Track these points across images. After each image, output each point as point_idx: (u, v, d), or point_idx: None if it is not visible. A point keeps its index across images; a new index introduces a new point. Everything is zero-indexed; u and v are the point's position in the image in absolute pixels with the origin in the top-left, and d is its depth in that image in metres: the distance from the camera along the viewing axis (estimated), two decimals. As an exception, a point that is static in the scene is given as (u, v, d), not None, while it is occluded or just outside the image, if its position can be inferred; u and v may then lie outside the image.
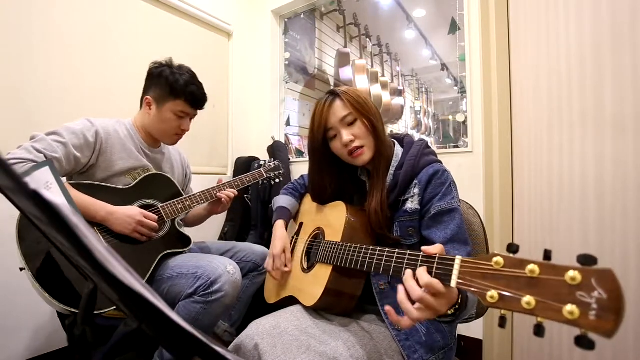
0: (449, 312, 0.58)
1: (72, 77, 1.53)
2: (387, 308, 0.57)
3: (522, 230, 1.28)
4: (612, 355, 0.83)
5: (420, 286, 0.52)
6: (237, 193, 1.29)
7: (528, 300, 0.39)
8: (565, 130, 0.98)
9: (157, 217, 1.10)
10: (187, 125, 1.22)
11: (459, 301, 0.58)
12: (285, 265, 0.95)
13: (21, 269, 0.92)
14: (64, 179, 1.07)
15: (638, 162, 0.81)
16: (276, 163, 1.50)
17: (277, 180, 1.48)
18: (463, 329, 1.50)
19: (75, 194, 1.00)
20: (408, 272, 0.55)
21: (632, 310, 0.79)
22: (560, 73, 1.01)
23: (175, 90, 1.14)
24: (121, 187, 1.11)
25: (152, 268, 1.08)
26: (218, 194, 1.24)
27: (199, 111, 1.26)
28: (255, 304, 1.34)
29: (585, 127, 0.92)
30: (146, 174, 1.17)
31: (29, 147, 0.96)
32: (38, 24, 1.43)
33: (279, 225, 1.01)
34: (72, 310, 0.91)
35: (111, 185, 1.10)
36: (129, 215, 1.03)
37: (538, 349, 1.11)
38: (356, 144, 0.81)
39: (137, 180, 1.14)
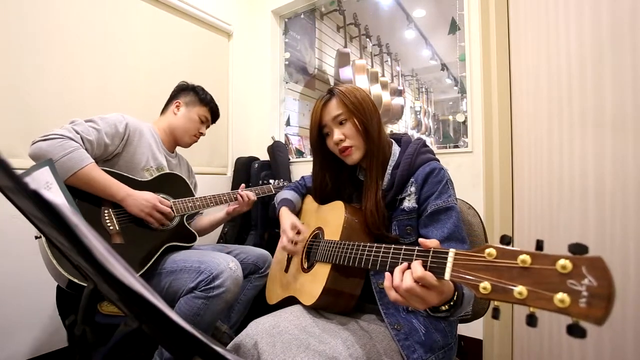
0: (444, 308, 0.58)
1: (73, 77, 1.53)
2: (387, 274, 0.57)
3: (522, 230, 1.28)
4: (611, 355, 0.83)
5: (414, 280, 0.52)
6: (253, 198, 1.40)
7: (520, 290, 0.39)
8: (565, 130, 0.99)
9: (170, 204, 1.15)
10: (204, 130, 1.40)
11: (454, 298, 0.58)
12: (298, 234, 0.92)
13: (36, 237, 0.95)
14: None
15: (638, 162, 0.81)
16: (285, 183, 1.55)
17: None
18: (463, 329, 1.50)
19: (101, 172, 1.06)
20: (403, 265, 0.55)
21: (632, 309, 0.79)
22: (560, 73, 1.01)
23: (204, 100, 1.37)
24: (138, 179, 1.17)
25: (156, 256, 1.11)
26: (239, 193, 1.35)
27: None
28: (255, 307, 1.35)
29: (585, 127, 0.92)
30: (163, 172, 1.23)
31: (69, 128, 1.05)
32: (38, 24, 1.43)
33: (283, 210, 1.01)
34: (78, 282, 0.94)
35: (129, 176, 1.15)
36: (146, 199, 1.09)
37: (538, 349, 1.11)
38: (345, 143, 0.83)
39: (154, 176, 1.21)
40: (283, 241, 0.93)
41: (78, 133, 1.05)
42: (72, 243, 0.29)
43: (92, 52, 1.60)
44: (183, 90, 1.38)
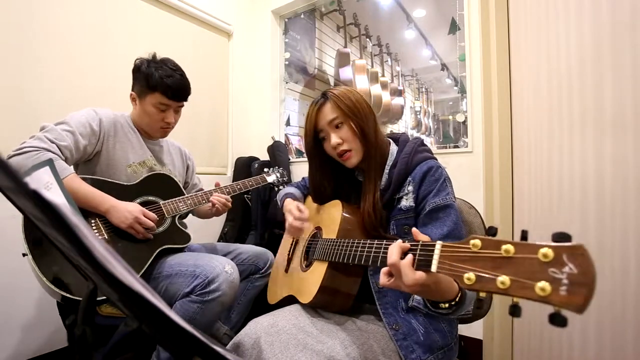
0: (444, 306, 0.59)
1: (73, 77, 1.53)
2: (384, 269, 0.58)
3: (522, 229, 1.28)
4: (611, 355, 0.83)
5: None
6: (230, 200, 1.31)
7: (503, 279, 0.39)
8: (565, 130, 0.99)
9: (157, 217, 1.11)
10: (170, 117, 1.21)
11: (457, 299, 0.58)
12: (302, 211, 0.92)
13: (24, 255, 0.93)
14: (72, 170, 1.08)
15: (638, 162, 0.81)
16: (280, 171, 1.52)
17: (281, 187, 1.49)
18: (463, 329, 1.50)
19: (82, 184, 1.03)
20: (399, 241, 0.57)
21: (632, 309, 0.79)
22: (560, 73, 1.01)
23: (151, 84, 1.15)
24: (125, 183, 1.14)
25: (150, 262, 1.09)
26: (211, 199, 1.26)
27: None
28: (256, 307, 1.34)
29: (585, 127, 0.92)
30: (150, 173, 1.20)
31: (42, 137, 1.00)
32: (39, 25, 1.43)
33: (287, 200, 1.01)
34: (71, 296, 0.92)
35: (116, 181, 1.13)
36: (129, 210, 1.05)
37: (538, 349, 1.11)
38: (344, 147, 0.82)
39: (141, 178, 1.17)
40: (289, 220, 0.92)
41: (52, 142, 0.99)
42: (72, 243, 0.29)
43: (92, 52, 1.60)
44: (135, 73, 1.19)
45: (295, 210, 0.92)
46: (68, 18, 1.52)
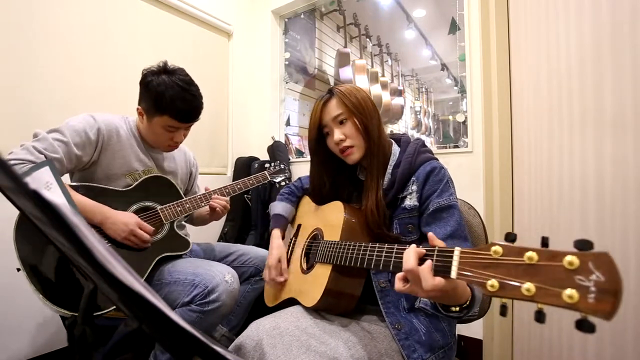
0: (456, 309, 0.59)
1: (73, 78, 1.53)
2: (399, 275, 0.57)
3: (522, 230, 1.28)
4: (611, 355, 0.83)
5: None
6: (228, 200, 1.27)
7: (528, 286, 0.39)
8: (565, 130, 0.99)
9: (152, 228, 1.08)
10: (179, 137, 1.17)
11: (467, 302, 0.58)
12: (281, 275, 0.96)
13: (18, 270, 0.92)
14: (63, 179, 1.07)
15: (638, 162, 0.81)
16: (281, 166, 1.49)
17: (283, 183, 1.45)
18: (463, 329, 1.50)
19: (73, 195, 0.99)
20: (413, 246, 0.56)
21: (632, 309, 0.79)
22: (560, 73, 1.01)
23: (160, 105, 1.08)
24: (121, 188, 1.10)
25: (149, 270, 1.07)
26: (210, 203, 1.22)
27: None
28: (255, 309, 1.34)
29: (585, 127, 0.92)
30: (147, 176, 1.16)
31: (29, 147, 0.96)
32: (38, 25, 1.43)
33: (275, 236, 1.02)
34: (66, 312, 0.91)
35: (111, 187, 1.09)
36: (124, 222, 1.02)
37: (538, 349, 1.11)
38: (346, 143, 0.83)
39: (137, 182, 1.13)
40: (265, 276, 0.98)
41: (41, 152, 0.96)
42: (72, 243, 0.29)
43: (92, 52, 1.60)
44: (142, 87, 1.12)
45: (273, 269, 0.96)
46: (68, 18, 1.52)
